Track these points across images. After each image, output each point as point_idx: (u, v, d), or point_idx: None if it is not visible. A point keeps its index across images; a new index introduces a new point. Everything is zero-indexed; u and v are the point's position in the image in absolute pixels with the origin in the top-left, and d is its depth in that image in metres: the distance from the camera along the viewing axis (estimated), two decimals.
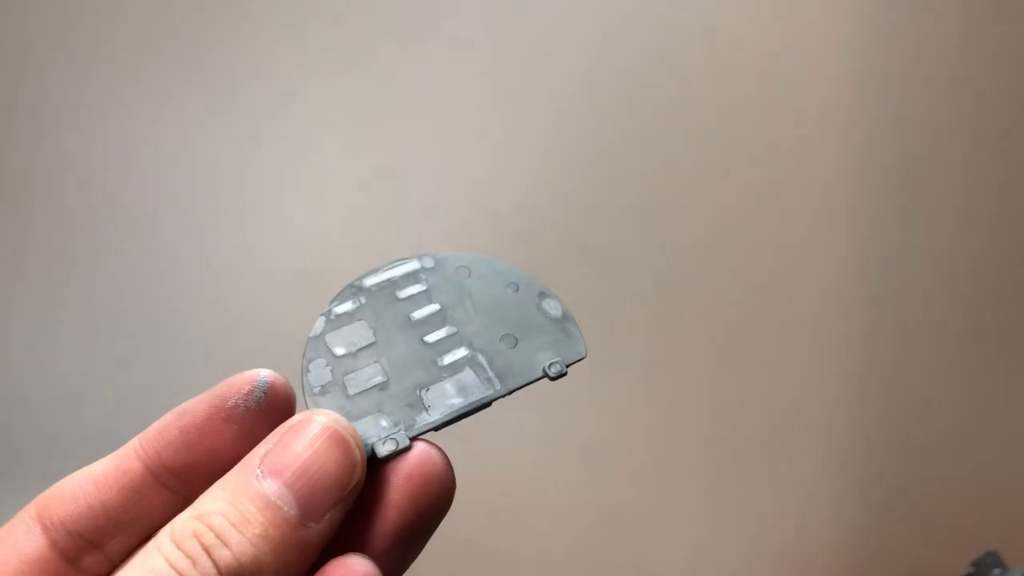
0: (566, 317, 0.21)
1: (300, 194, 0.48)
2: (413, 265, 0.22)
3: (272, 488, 0.16)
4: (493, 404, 0.20)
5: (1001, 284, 0.50)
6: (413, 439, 0.19)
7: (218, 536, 0.16)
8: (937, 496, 0.51)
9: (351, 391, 0.20)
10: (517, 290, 0.22)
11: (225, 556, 0.15)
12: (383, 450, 0.18)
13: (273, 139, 0.47)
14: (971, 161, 0.49)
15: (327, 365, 0.20)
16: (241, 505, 0.16)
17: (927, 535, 0.51)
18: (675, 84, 0.47)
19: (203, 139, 0.47)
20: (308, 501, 0.16)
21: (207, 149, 0.47)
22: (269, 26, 0.46)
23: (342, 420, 0.18)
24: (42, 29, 0.46)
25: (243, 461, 0.17)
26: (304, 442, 0.17)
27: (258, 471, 0.16)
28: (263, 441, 0.17)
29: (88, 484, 0.19)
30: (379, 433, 0.19)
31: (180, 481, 0.19)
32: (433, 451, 0.19)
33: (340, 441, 0.17)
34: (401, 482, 0.18)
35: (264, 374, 0.19)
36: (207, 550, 0.15)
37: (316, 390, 0.20)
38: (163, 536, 0.16)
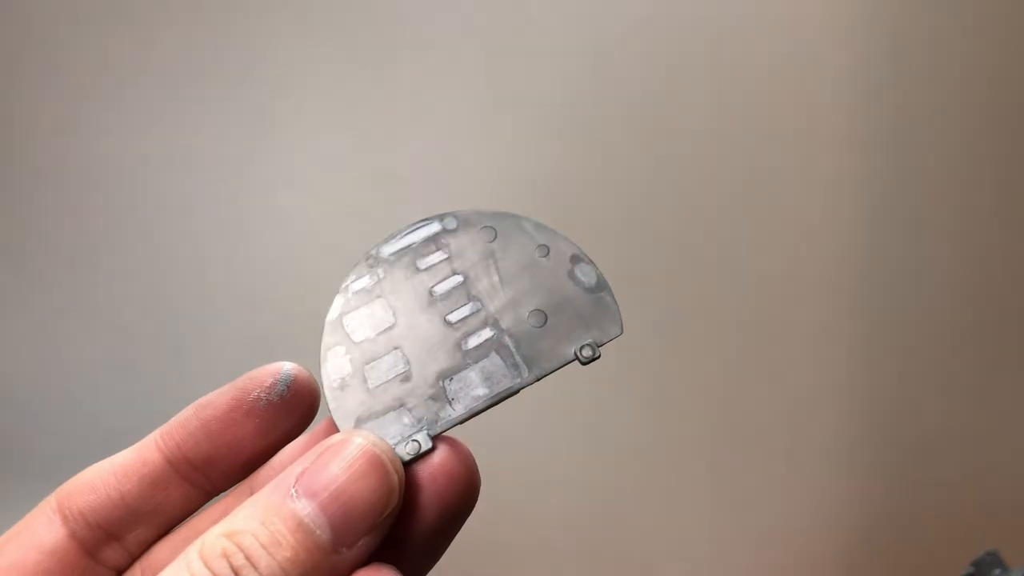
0: (600, 285, 0.19)
1: (309, 188, 0.48)
2: (434, 227, 0.20)
3: (306, 509, 0.16)
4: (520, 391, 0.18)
5: (1002, 285, 0.50)
6: (436, 438, 0.18)
7: (248, 557, 0.15)
8: (937, 496, 0.51)
9: (371, 384, 0.18)
10: (547, 254, 0.19)
11: None
12: (405, 453, 0.17)
13: (278, 136, 0.47)
14: (972, 162, 0.49)
15: (346, 353, 0.19)
16: (273, 525, 0.15)
17: (927, 535, 0.51)
18: (677, 82, 0.48)
19: (209, 137, 0.47)
20: (342, 526, 0.16)
21: (213, 147, 0.47)
22: (272, 25, 0.46)
23: (382, 443, 0.17)
24: (41, 28, 0.46)
25: (279, 478, 0.16)
26: (342, 464, 0.16)
27: (293, 490, 0.16)
28: (300, 459, 0.16)
29: (108, 475, 0.19)
30: (401, 432, 0.18)
31: (200, 474, 0.19)
32: (457, 450, 0.18)
33: (378, 465, 0.16)
34: (425, 483, 0.17)
35: (287, 367, 0.19)
36: (236, 572, 0.15)
37: (335, 383, 0.19)
38: (192, 552, 0.15)
